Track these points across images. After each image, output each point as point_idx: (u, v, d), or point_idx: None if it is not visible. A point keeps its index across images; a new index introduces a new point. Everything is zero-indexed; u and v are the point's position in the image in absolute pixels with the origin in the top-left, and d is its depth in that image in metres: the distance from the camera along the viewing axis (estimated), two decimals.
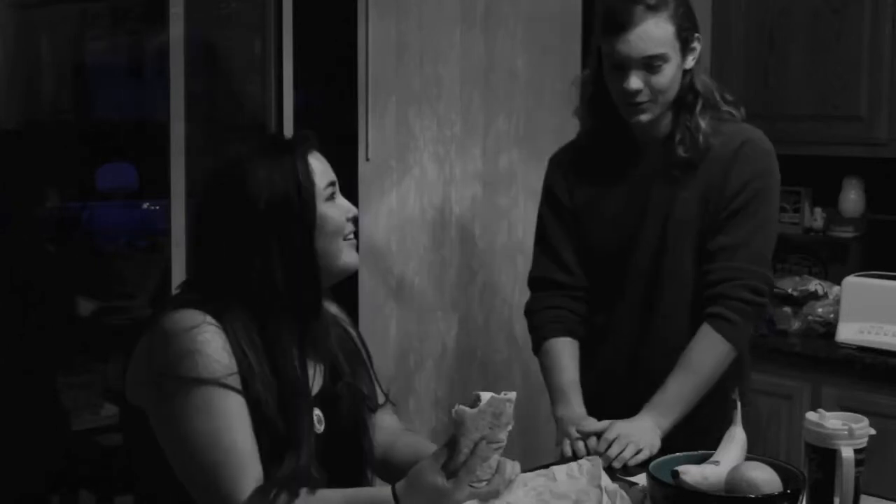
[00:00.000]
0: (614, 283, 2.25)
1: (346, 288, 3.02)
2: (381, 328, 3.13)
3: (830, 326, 3.40)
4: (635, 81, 2.10)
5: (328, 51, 3.12)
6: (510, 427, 1.66)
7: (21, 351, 2.93)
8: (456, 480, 1.61)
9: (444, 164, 3.24)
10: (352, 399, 1.80)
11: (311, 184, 1.68)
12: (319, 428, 1.72)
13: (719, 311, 2.12)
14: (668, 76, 2.12)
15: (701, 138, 2.15)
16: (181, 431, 1.59)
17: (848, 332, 3.30)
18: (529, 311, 2.35)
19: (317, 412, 1.72)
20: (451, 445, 1.63)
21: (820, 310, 3.48)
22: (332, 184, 1.73)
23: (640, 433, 2.04)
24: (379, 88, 3.07)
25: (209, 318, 1.61)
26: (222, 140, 3.27)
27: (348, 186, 3.04)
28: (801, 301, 3.56)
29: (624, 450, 2.00)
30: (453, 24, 3.22)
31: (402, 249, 3.17)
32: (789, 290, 3.59)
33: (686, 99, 2.17)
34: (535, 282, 2.36)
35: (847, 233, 3.82)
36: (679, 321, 2.20)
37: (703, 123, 2.16)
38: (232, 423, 1.59)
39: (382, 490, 1.64)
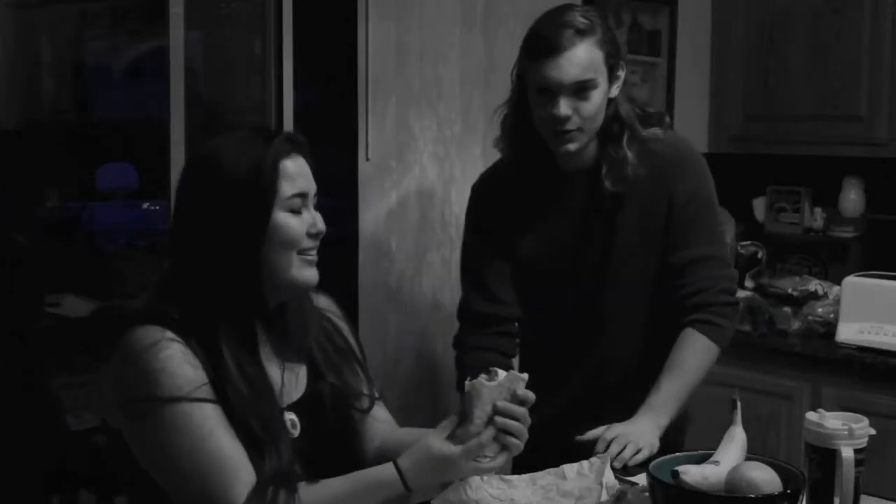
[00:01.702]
0: (557, 308, 2.27)
1: (346, 288, 3.02)
2: (380, 328, 3.13)
3: (830, 326, 3.40)
4: (564, 108, 2.08)
5: (328, 51, 3.11)
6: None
7: (20, 351, 2.93)
8: (465, 448, 1.60)
9: (444, 164, 3.24)
10: (335, 399, 1.76)
11: (272, 187, 1.62)
12: (294, 433, 1.68)
13: (705, 317, 2.17)
14: (595, 103, 2.10)
15: (629, 169, 2.14)
16: (162, 450, 1.56)
17: (848, 332, 3.30)
18: (456, 346, 2.34)
19: (290, 416, 1.69)
20: (462, 417, 1.63)
21: (820, 310, 3.48)
22: (300, 195, 1.65)
23: (639, 433, 2.04)
24: (379, 88, 3.07)
25: (168, 333, 1.57)
26: None
27: (348, 186, 3.06)
28: (801, 301, 3.56)
29: (623, 449, 2.00)
30: (453, 24, 3.22)
31: (402, 249, 3.17)
32: (789, 290, 3.59)
33: (612, 129, 2.16)
34: (462, 313, 2.35)
35: (847, 233, 3.82)
36: (627, 340, 2.24)
37: (630, 154, 2.14)
38: (212, 431, 1.55)
39: (385, 468, 1.62)
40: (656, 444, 2.05)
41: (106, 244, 3.66)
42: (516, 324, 2.33)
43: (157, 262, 3.29)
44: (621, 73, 2.15)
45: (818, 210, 3.89)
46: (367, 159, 3.06)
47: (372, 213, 3.09)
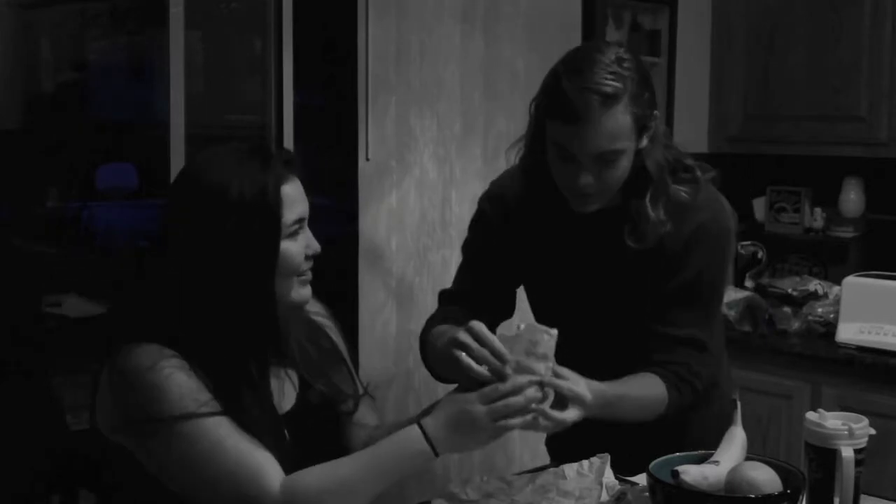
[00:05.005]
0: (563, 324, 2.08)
1: (346, 288, 3.02)
2: (380, 328, 3.13)
3: (830, 326, 3.40)
4: (586, 178, 1.87)
5: (328, 51, 3.12)
6: (550, 364, 1.66)
7: (20, 351, 2.93)
8: (481, 393, 1.59)
9: (444, 164, 3.24)
10: (323, 407, 1.75)
11: (277, 217, 1.59)
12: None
13: (679, 385, 1.98)
14: (622, 168, 1.89)
15: (650, 230, 1.95)
16: (180, 464, 1.55)
17: (848, 332, 3.30)
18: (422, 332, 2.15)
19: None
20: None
21: (820, 310, 3.48)
22: (299, 220, 1.63)
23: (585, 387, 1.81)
24: (379, 88, 3.07)
25: (167, 351, 1.55)
26: (222, 140, 3.27)
27: (348, 186, 3.05)
28: (801, 301, 3.56)
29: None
30: (453, 24, 3.21)
31: (402, 249, 3.17)
32: (789, 290, 3.60)
33: (637, 182, 1.95)
34: (441, 295, 2.23)
35: (847, 233, 3.82)
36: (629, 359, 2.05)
37: (652, 214, 1.94)
38: (228, 433, 1.55)
39: (407, 430, 1.60)
40: (589, 398, 1.77)
41: (106, 244, 3.67)
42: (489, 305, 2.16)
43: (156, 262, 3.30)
44: (652, 124, 1.91)
45: (818, 210, 3.89)
46: (367, 159, 3.06)
47: (372, 213, 3.08)
